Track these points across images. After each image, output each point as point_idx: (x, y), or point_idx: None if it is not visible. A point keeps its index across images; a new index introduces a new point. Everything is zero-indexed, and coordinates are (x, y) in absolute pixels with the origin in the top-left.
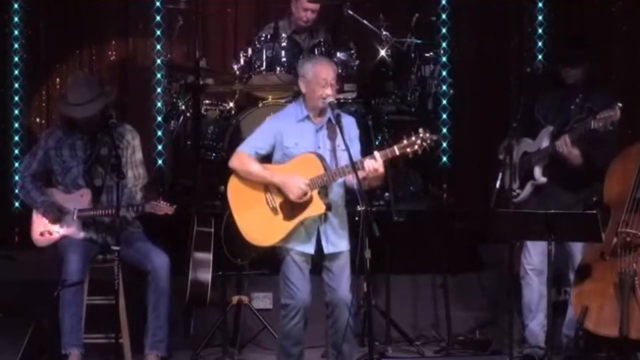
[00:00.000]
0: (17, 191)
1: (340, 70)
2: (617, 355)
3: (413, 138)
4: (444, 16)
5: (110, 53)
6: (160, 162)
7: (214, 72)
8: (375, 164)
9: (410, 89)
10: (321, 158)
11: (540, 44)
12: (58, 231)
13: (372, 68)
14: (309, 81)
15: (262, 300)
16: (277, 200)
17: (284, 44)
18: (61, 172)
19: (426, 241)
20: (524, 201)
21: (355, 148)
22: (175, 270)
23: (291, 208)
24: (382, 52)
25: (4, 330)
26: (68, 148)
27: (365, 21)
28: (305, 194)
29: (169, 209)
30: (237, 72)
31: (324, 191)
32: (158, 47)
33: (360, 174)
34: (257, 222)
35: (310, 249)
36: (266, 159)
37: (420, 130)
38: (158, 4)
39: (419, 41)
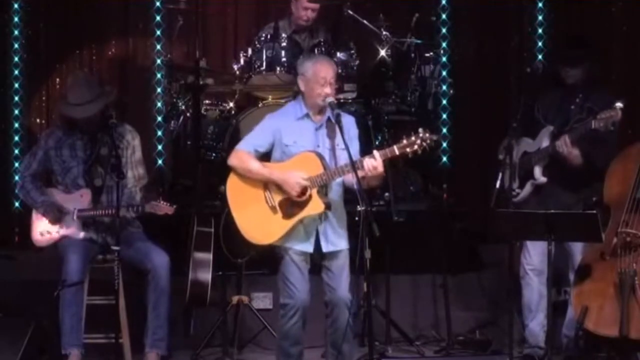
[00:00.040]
0: (17, 191)
1: (340, 70)
2: (617, 355)
3: (413, 138)
4: (444, 16)
5: (110, 53)
6: (160, 162)
7: (214, 72)
8: (374, 162)
9: (410, 89)
10: (320, 157)
11: (540, 44)
12: (58, 231)
13: (372, 68)
14: (308, 79)
15: (262, 300)
16: (276, 199)
17: (284, 44)
18: (61, 172)
19: (426, 241)
20: (523, 201)
21: (355, 147)
22: (175, 270)
23: (290, 206)
24: (382, 52)
25: (4, 330)
26: (68, 148)
27: (365, 21)
28: (304, 190)
29: (169, 209)
30: (237, 72)
31: (323, 190)
32: (158, 47)
33: (360, 173)
34: (256, 220)
35: (309, 247)
36: (265, 157)
37: (420, 130)
38: (158, 4)
39: (419, 41)
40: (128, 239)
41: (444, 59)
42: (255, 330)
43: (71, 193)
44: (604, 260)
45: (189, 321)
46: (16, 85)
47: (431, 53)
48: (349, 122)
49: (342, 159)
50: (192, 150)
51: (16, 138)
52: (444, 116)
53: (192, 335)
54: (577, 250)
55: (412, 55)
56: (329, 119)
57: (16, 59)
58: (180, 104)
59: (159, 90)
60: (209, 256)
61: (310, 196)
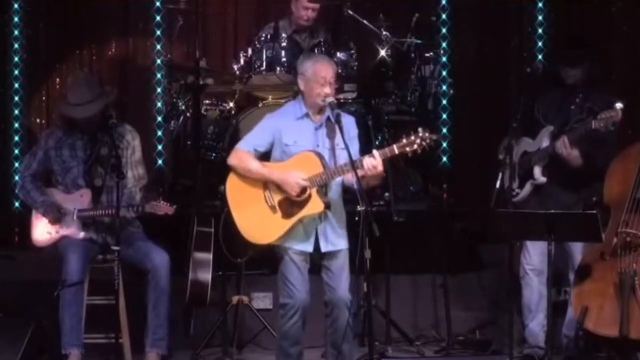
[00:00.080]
0: (17, 191)
1: (340, 70)
2: (617, 355)
3: (412, 137)
4: (444, 16)
5: (110, 53)
6: (160, 162)
7: (214, 72)
8: (374, 161)
9: (410, 89)
10: (320, 156)
11: (540, 44)
12: (58, 231)
13: (372, 68)
14: (308, 79)
15: (262, 300)
16: (276, 198)
17: (284, 44)
18: (61, 172)
19: (426, 241)
20: (523, 201)
21: (355, 147)
22: (175, 270)
23: (290, 206)
24: (382, 52)
25: (4, 330)
26: (68, 148)
27: (365, 21)
28: (304, 190)
29: (169, 209)
30: (237, 72)
31: (322, 189)
32: (158, 47)
33: (359, 172)
34: (255, 219)
35: (308, 247)
36: (265, 157)
37: (420, 129)
38: (158, 4)
39: (419, 41)
40: (128, 238)
41: (444, 59)
42: (255, 330)
43: (71, 193)
44: (604, 260)
45: (189, 321)
46: (16, 85)
47: (431, 53)
48: (348, 122)
49: (342, 158)
50: (192, 150)
51: (16, 138)
52: (444, 116)
53: (192, 335)
54: (577, 250)
55: (412, 55)
56: (328, 119)
57: (16, 59)
58: (180, 104)
59: (159, 90)
60: (209, 256)
61: (310, 195)
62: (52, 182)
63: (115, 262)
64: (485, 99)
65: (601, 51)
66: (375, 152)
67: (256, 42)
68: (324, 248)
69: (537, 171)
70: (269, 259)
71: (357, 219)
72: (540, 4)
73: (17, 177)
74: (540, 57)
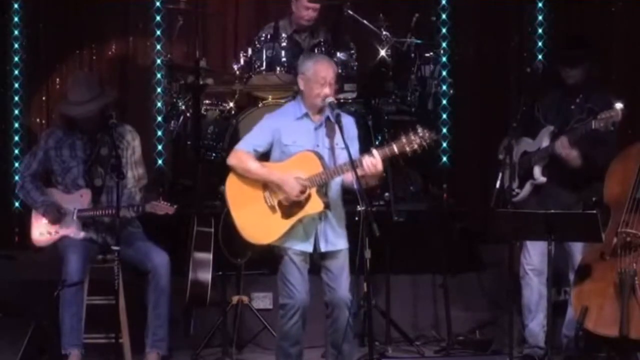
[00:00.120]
0: (17, 191)
1: (340, 70)
2: (617, 355)
3: (412, 136)
4: (444, 16)
5: (110, 53)
6: (160, 162)
7: (214, 72)
8: (373, 160)
9: (410, 89)
10: (319, 156)
11: (540, 44)
12: (58, 231)
13: (372, 68)
14: (308, 79)
15: (262, 300)
16: (276, 199)
17: (284, 44)
18: (61, 172)
19: (426, 241)
20: (523, 200)
21: (354, 148)
22: (175, 270)
23: (289, 206)
24: (382, 52)
25: (4, 330)
26: (68, 148)
27: (365, 21)
28: (303, 190)
29: (169, 209)
30: (237, 72)
31: (322, 189)
32: (158, 47)
33: (359, 171)
34: (255, 220)
35: (308, 247)
36: (264, 157)
37: (419, 128)
38: (158, 4)
39: (419, 41)
40: (128, 238)
41: (444, 59)
42: (255, 330)
43: (71, 193)
44: (604, 260)
45: (189, 321)
46: (16, 85)
47: (431, 53)
48: (348, 123)
49: (341, 158)
50: (192, 150)
51: (16, 138)
52: (444, 116)
53: (192, 335)
54: (577, 250)
55: (412, 55)
56: (328, 118)
57: (16, 59)
58: (180, 104)
59: (159, 90)
60: (209, 256)
61: (310, 195)
62: (52, 182)
63: (115, 262)
64: (485, 99)
65: (601, 51)
66: (374, 151)
67: (256, 42)
68: (323, 248)
69: (537, 171)
70: (268, 259)
71: (357, 219)
72: (540, 4)
73: (17, 177)
74: (540, 57)
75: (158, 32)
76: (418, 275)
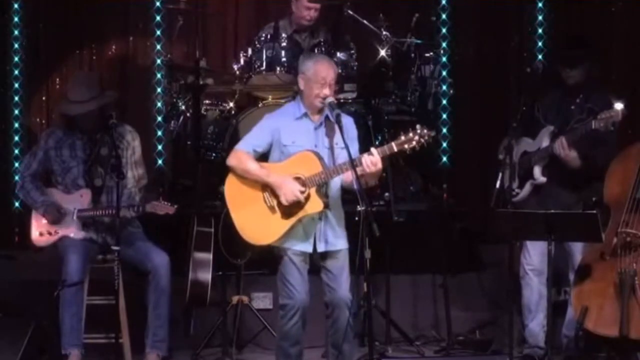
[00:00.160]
0: (17, 191)
1: (340, 70)
2: (617, 355)
3: (410, 134)
4: (444, 16)
5: (110, 53)
6: (160, 162)
7: (214, 72)
8: (373, 158)
9: (410, 89)
10: (319, 156)
11: (540, 44)
12: (58, 231)
13: (372, 68)
14: (308, 78)
15: (262, 300)
16: (275, 199)
17: (284, 44)
18: (61, 172)
19: (426, 241)
20: (523, 200)
21: (354, 148)
22: (175, 270)
23: (289, 206)
24: (382, 52)
25: (4, 330)
26: (68, 148)
27: (365, 21)
28: (298, 199)
29: (169, 209)
30: (237, 72)
31: (322, 189)
32: (158, 47)
33: (358, 170)
34: (254, 220)
35: (308, 248)
36: (263, 157)
37: (418, 126)
38: (158, 4)
39: (419, 41)
40: (128, 238)
41: (444, 59)
42: (255, 330)
43: (71, 193)
44: (604, 260)
45: (189, 321)
46: (16, 85)
47: (431, 53)
48: (348, 123)
49: (341, 157)
50: (192, 150)
51: (16, 138)
52: (444, 116)
53: (192, 335)
54: (577, 250)
55: (412, 55)
56: (327, 118)
57: (16, 59)
58: (180, 104)
59: (159, 90)
60: (209, 256)
61: (309, 195)
62: (52, 182)
63: (115, 262)
64: (485, 99)
65: (601, 51)
66: (373, 150)
67: (256, 42)
68: (323, 248)
69: (537, 171)
70: (268, 259)
71: (357, 219)
72: (540, 4)
73: (17, 177)
74: (540, 57)
75: (158, 32)
76: (418, 275)
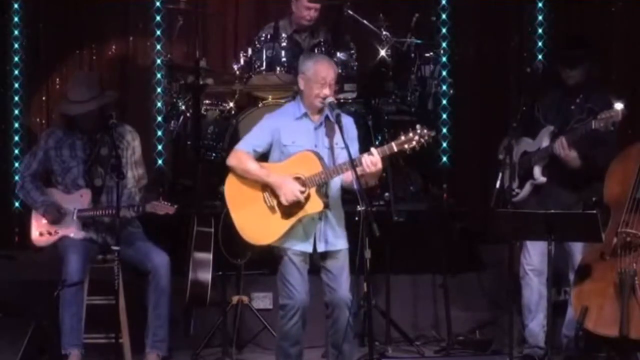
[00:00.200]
0: (17, 191)
1: (340, 70)
2: (617, 355)
3: (410, 134)
4: (444, 16)
5: (110, 53)
6: (160, 162)
7: (214, 72)
8: (373, 158)
9: (410, 89)
10: (319, 156)
11: (540, 44)
12: (58, 231)
13: (372, 68)
14: (308, 78)
15: (262, 300)
16: (275, 199)
17: (284, 44)
18: (61, 172)
19: (426, 241)
20: (523, 200)
21: (354, 148)
22: (175, 270)
23: (289, 206)
24: (382, 52)
25: (4, 330)
26: (68, 148)
27: (365, 21)
28: (298, 198)
29: (169, 209)
30: (237, 72)
31: (322, 189)
32: (158, 47)
33: (358, 170)
34: (254, 220)
35: (308, 248)
36: (263, 158)
37: (418, 126)
38: (158, 4)
39: (419, 41)
40: (128, 238)
41: (444, 59)
42: (255, 330)
43: (71, 193)
44: (604, 260)
45: (189, 321)
46: (16, 85)
47: (431, 53)
48: (348, 123)
49: (341, 157)
50: (192, 150)
51: (16, 138)
52: (444, 116)
53: (192, 335)
54: (577, 250)
55: (412, 55)
56: (327, 118)
57: (16, 59)
58: (180, 104)
59: (159, 90)
60: (209, 256)
61: (309, 195)
62: (52, 182)
63: (115, 262)
64: (485, 99)
65: (601, 51)
66: (373, 150)
67: (256, 42)
68: (323, 248)
69: (537, 171)
70: (268, 259)
71: (357, 219)
72: (540, 4)
73: (17, 177)
74: (540, 57)
75: (158, 32)
76: (418, 275)
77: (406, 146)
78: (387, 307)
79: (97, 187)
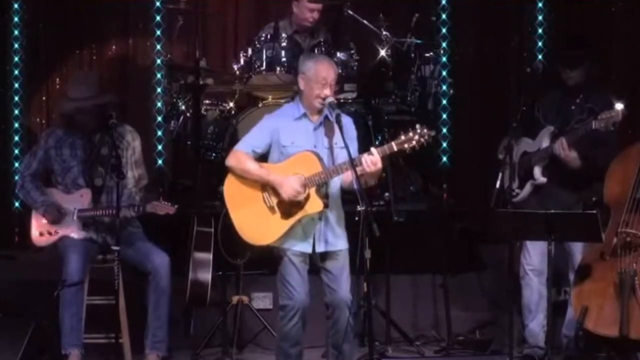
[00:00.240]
0: (17, 191)
1: (340, 70)
2: (617, 355)
3: (410, 134)
4: (444, 16)
5: (110, 53)
6: (160, 162)
7: (214, 72)
8: (373, 158)
9: (410, 89)
10: (318, 156)
11: (540, 44)
12: (58, 231)
13: (372, 68)
14: (309, 79)
15: (262, 300)
16: (275, 199)
17: (284, 44)
18: (61, 172)
19: (426, 241)
20: (523, 201)
21: (353, 148)
22: (175, 270)
23: (289, 206)
24: (382, 52)
25: (4, 330)
26: (68, 147)
27: (365, 21)
28: (299, 195)
29: (170, 209)
30: (237, 72)
31: (322, 189)
32: (158, 47)
33: (358, 170)
34: (254, 220)
35: (307, 248)
36: (262, 158)
37: (417, 126)
38: (158, 4)
39: (419, 41)
40: (128, 239)
41: (444, 59)
42: (255, 330)
43: (71, 193)
44: (604, 260)
45: (189, 321)
46: (16, 85)
47: (431, 53)
48: (347, 123)
49: (340, 157)
50: (192, 150)
51: (16, 138)
52: (444, 116)
53: (192, 335)
54: (577, 250)
55: (412, 55)
56: (326, 118)
57: (16, 59)
58: (180, 104)
59: (159, 90)
60: (209, 256)
61: (309, 195)
62: (52, 182)
63: (115, 262)
64: (485, 99)
65: (601, 51)
66: (373, 149)
67: (256, 42)
68: (322, 248)
69: (537, 171)
70: (268, 259)
71: (357, 219)
72: (540, 4)
73: (17, 177)
74: (540, 57)
75: (158, 32)
76: (418, 275)
77: (406, 146)
78: (387, 307)
79: (97, 187)
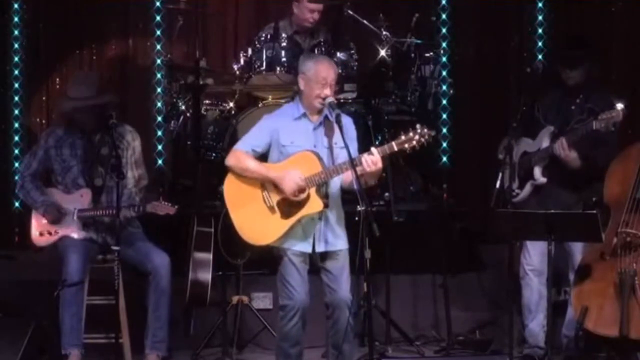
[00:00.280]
0: (17, 191)
1: (340, 70)
2: (617, 355)
3: (411, 134)
4: (444, 16)
5: (110, 53)
6: (160, 162)
7: (214, 72)
8: (373, 158)
9: (410, 89)
10: (318, 156)
11: (540, 44)
12: (58, 231)
13: (372, 68)
14: (309, 79)
15: (262, 300)
16: (275, 199)
17: (284, 44)
18: (61, 172)
19: (426, 241)
20: (523, 201)
21: (353, 148)
22: (175, 270)
23: (289, 206)
24: (382, 52)
25: (4, 330)
26: (68, 147)
27: (365, 21)
28: (301, 189)
29: (170, 209)
30: (237, 72)
31: (322, 189)
32: (158, 47)
33: (358, 169)
34: (253, 220)
35: (307, 248)
36: (263, 158)
37: (418, 125)
38: (158, 4)
39: (419, 41)
40: (128, 239)
41: (444, 59)
42: (255, 330)
43: (71, 193)
44: (604, 260)
45: (189, 321)
46: (16, 85)
47: (431, 53)
48: (347, 124)
49: (340, 157)
50: (192, 150)
51: (16, 138)
52: (444, 116)
53: (192, 335)
54: (577, 250)
55: (412, 55)
56: (326, 118)
57: (16, 59)
58: (180, 104)
59: (159, 90)
60: (209, 256)
61: (309, 195)
62: (52, 182)
63: (115, 262)
64: (485, 99)
65: (601, 51)
66: (373, 149)
67: (256, 42)
68: (322, 248)
69: (537, 172)
70: (268, 259)
71: (357, 219)
72: (540, 4)
73: (17, 177)
74: (540, 57)
75: (158, 32)
76: (418, 275)
77: (406, 145)
78: (387, 307)
79: (97, 187)
